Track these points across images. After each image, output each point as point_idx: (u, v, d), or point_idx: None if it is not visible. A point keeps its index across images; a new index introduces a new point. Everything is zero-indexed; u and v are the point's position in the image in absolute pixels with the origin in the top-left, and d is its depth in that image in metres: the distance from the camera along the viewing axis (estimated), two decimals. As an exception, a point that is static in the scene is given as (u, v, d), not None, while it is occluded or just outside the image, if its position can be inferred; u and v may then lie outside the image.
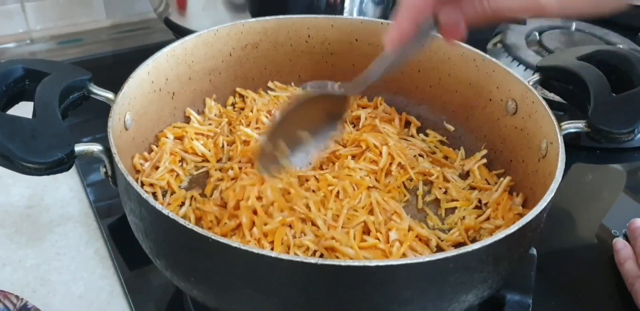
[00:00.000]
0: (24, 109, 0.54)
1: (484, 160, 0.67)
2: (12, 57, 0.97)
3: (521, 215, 0.59)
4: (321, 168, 0.65)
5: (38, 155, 0.47)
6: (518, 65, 0.88)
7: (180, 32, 0.86)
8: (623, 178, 0.81)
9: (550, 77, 0.63)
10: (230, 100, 0.73)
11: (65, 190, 0.72)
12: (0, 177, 0.73)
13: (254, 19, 0.70)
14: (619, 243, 0.67)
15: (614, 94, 0.58)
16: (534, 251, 0.60)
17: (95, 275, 0.63)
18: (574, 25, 0.97)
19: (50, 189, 0.72)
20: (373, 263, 0.41)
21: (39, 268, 0.63)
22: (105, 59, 0.99)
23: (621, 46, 0.91)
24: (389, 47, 0.48)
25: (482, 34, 0.93)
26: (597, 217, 0.73)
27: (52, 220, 0.69)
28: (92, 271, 0.63)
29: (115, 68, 0.96)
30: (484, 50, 0.91)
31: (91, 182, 0.73)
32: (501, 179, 0.64)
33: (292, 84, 0.76)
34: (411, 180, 0.65)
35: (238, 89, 0.73)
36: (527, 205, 0.61)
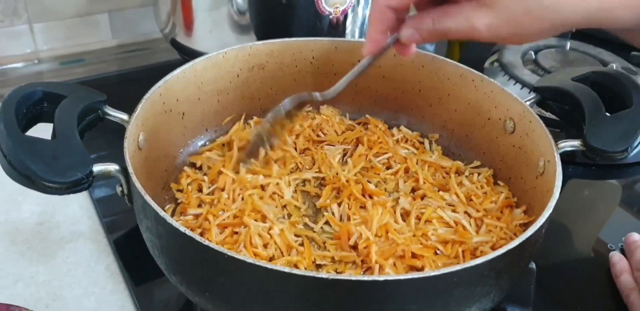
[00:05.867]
0: (39, 130, 0.56)
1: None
2: (20, 77, 0.99)
3: (522, 225, 0.61)
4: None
5: (59, 175, 0.49)
6: (514, 84, 0.90)
7: (186, 52, 0.89)
8: (618, 193, 0.83)
9: (546, 97, 0.66)
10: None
11: (75, 208, 0.74)
12: (10, 194, 0.75)
13: (261, 42, 0.72)
14: (615, 256, 0.68)
15: (607, 114, 0.60)
16: (533, 265, 0.62)
17: (107, 290, 0.64)
18: (568, 45, 1.00)
19: (60, 206, 0.74)
20: (382, 278, 0.43)
21: (51, 284, 0.64)
22: (111, 79, 1.01)
23: (614, 65, 0.94)
24: (366, 55, 0.57)
25: (479, 53, 0.96)
26: (593, 231, 0.75)
27: (62, 237, 0.70)
28: (103, 287, 0.65)
29: (121, 87, 0.98)
30: (481, 69, 0.94)
31: (98, 197, 0.75)
32: (501, 192, 0.67)
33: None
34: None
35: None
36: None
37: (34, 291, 0.64)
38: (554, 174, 0.55)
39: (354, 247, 0.60)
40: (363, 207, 0.65)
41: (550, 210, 0.51)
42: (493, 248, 0.59)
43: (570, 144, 0.59)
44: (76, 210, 0.74)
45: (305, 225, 0.64)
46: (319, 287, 0.44)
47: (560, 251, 0.72)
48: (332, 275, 0.43)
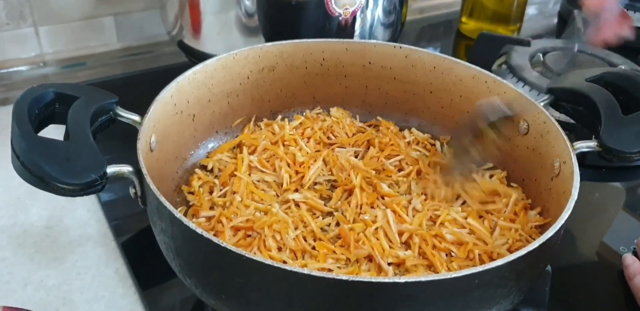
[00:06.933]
0: (50, 131, 0.55)
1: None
2: (25, 80, 0.99)
3: (538, 227, 0.61)
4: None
5: (73, 176, 0.48)
6: (523, 86, 0.90)
7: (194, 54, 0.88)
8: (622, 196, 0.83)
9: (560, 99, 0.65)
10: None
11: (83, 212, 0.73)
12: (18, 197, 0.74)
13: (270, 43, 0.72)
14: (628, 258, 0.68)
15: (622, 115, 0.60)
16: (548, 267, 0.61)
17: (116, 294, 0.64)
18: (576, 47, 0.99)
19: (68, 210, 0.73)
20: (402, 280, 0.43)
21: (60, 288, 0.64)
22: (116, 82, 1.00)
23: (623, 67, 0.94)
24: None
25: (487, 55, 0.96)
26: (603, 233, 0.75)
27: (71, 241, 0.70)
28: (113, 291, 0.64)
29: (125, 90, 0.96)
30: (489, 71, 0.93)
31: (105, 200, 0.74)
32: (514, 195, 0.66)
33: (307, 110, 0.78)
34: None
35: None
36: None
37: (43, 295, 0.63)
38: (571, 175, 0.55)
39: None
40: (374, 208, 0.64)
41: (570, 211, 0.51)
42: (509, 251, 0.58)
43: (587, 145, 0.59)
44: (84, 214, 0.73)
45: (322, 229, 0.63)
46: (338, 289, 0.44)
47: (570, 254, 0.71)
48: (352, 277, 0.43)
